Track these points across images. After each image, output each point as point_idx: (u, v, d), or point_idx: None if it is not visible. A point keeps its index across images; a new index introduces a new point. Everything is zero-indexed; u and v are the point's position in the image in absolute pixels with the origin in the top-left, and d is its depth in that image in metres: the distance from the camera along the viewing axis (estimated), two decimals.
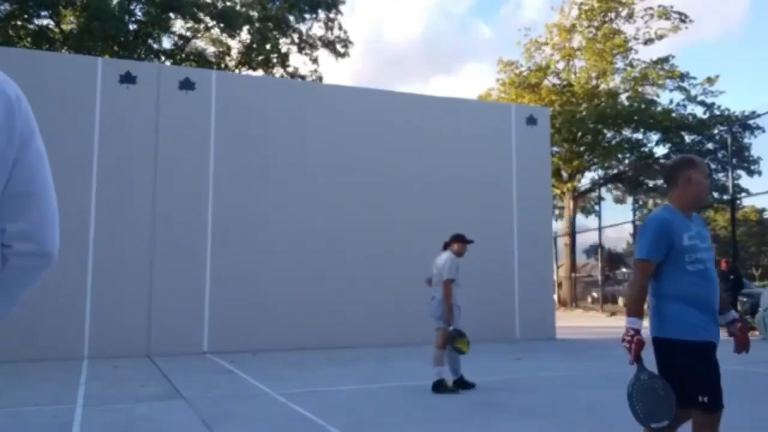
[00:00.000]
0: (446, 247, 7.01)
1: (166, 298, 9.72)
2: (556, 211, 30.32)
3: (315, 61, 26.77)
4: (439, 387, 6.39)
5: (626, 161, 29.21)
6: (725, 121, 26.06)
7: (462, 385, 6.52)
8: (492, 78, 34.43)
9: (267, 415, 5.47)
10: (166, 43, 25.47)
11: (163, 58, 24.71)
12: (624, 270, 33.61)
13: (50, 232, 1.47)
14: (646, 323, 2.93)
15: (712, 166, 27.53)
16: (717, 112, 27.38)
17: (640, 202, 29.63)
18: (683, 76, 27.73)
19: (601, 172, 30.62)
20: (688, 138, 27.64)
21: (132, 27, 23.55)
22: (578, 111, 27.69)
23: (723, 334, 2.94)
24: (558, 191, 29.45)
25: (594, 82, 28.90)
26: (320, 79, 26.26)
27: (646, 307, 2.99)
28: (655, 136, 28.80)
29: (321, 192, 10.92)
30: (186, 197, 10.10)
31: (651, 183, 29.04)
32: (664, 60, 28.07)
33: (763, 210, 34.16)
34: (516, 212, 12.20)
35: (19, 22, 22.52)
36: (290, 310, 10.37)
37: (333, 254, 10.81)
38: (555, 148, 27.63)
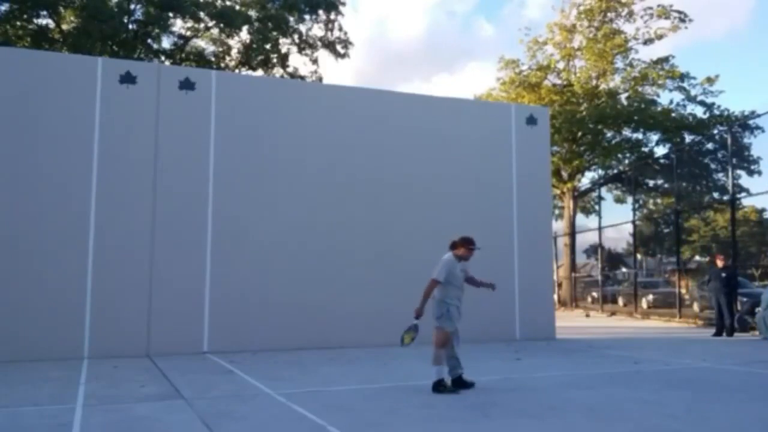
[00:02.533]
0: (453, 247, 6.91)
1: (166, 298, 9.72)
2: (556, 211, 30.32)
3: (315, 61, 26.79)
4: (438, 387, 6.40)
5: (626, 161, 29.20)
6: (725, 121, 26.05)
7: (460, 384, 6.53)
8: (494, 77, 34.34)
9: (267, 415, 5.47)
10: (166, 43, 25.49)
11: (162, 57, 24.71)
12: (624, 270, 33.66)
13: None
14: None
15: (712, 166, 27.54)
16: (717, 112, 27.37)
17: (640, 202, 29.67)
18: (683, 76, 27.73)
19: (601, 172, 30.62)
20: (688, 138, 27.63)
21: (131, 27, 23.54)
22: (578, 111, 27.68)
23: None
24: (558, 191, 29.44)
25: (594, 82, 28.90)
26: (320, 79, 26.27)
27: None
28: (655, 136, 28.79)
29: (321, 192, 10.92)
30: (186, 197, 10.10)
31: (651, 183, 29.05)
32: (664, 60, 28.07)
33: (763, 210, 34.17)
34: (516, 212, 12.20)
35: (18, 22, 22.52)
36: (290, 310, 10.36)
37: (333, 254, 10.81)
38: (555, 148, 27.62)
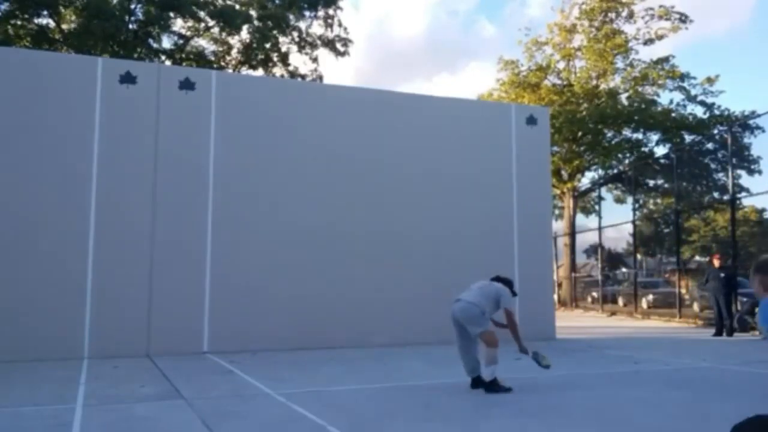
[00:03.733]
0: (503, 282, 6.97)
1: (166, 298, 9.72)
2: (556, 211, 30.32)
3: (315, 60, 26.78)
4: (493, 386, 6.34)
5: (626, 161, 29.20)
6: (725, 121, 26.05)
7: (479, 383, 6.55)
8: (494, 77, 34.27)
9: (267, 415, 5.47)
10: (166, 42, 25.49)
11: (163, 57, 24.71)
12: (624, 270, 33.64)
13: None
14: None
15: (712, 166, 27.54)
16: (717, 112, 27.37)
17: (640, 202, 29.66)
18: (683, 76, 27.74)
19: (601, 172, 30.62)
20: (688, 138, 27.63)
21: (132, 26, 23.55)
22: (578, 111, 27.68)
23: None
24: (558, 191, 29.44)
25: (594, 82, 28.89)
26: (320, 78, 26.27)
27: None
28: (655, 136, 28.80)
29: (321, 192, 10.92)
30: (186, 197, 10.10)
31: (651, 183, 29.05)
32: (665, 60, 28.08)
33: (763, 210, 34.11)
34: (516, 212, 12.20)
35: (19, 22, 22.52)
36: (290, 310, 10.36)
37: (333, 254, 10.81)
38: (555, 148, 27.62)
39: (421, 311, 10.72)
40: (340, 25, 26.62)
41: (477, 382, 6.57)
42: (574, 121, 27.11)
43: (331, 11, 26.26)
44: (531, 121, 12.66)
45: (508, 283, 6.98)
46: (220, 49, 26.19)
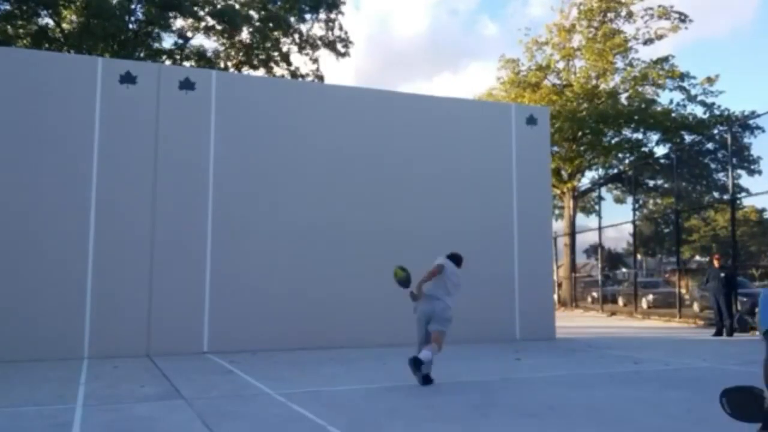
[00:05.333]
0: (450, 257, 7.38)
1: (166, 298, 9.72)
2: (556, 211, 30.30)
3: (315, 61, 26.79)
4: (419, 363, 6.65)
5: (626, 161, 29.19)
6: (725, 121, 26.04)
7: (417, 364, 6.84)
8: (495, 76, 34.03)
9: (267, 415, 5.47)
10: (168, 41, 25.49)
11: (163, 57, 24.71)
12: (624, 270, 33.65)
13: None
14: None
15: (712, 166, 27.52)
16: (717, 112, 27.35)
17: (640, 202, 29.65)
18: (683, 76, 27.72)
19: (601, 172, 30.62)
20: (688, 138, 27.62)
21: (132, 26, 23.55)
22: (578, 111, 27.67)
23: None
24: (558, 191, 29.43)
25: (594, 82, 28.88)
26: (321, 78, 26.28)
27: None
28: (655, 136, 28.78)
29: (321, 192, 10.92)
30: (186, 197, 10.10)
31: (651, 183, 29.04)
32: (664, 60, 28.05)
33: (763, 210, 34.10)
34: (516, 212, 12.20)
35: (19, 22, 22.52)
36: (290, 310, 10.37)
37: (333, 254, 10.81)
38: (555, 148, 27.61)
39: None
40: (341, 28, 26.65)
41: (417, 361, 6.88)
42: (574, 120, 27.10)
43: (332, 15, 26.27)
44: (531, 121, 12.66)
45: (455, 258, 7.37)
46: (222, 46, 26.13)
